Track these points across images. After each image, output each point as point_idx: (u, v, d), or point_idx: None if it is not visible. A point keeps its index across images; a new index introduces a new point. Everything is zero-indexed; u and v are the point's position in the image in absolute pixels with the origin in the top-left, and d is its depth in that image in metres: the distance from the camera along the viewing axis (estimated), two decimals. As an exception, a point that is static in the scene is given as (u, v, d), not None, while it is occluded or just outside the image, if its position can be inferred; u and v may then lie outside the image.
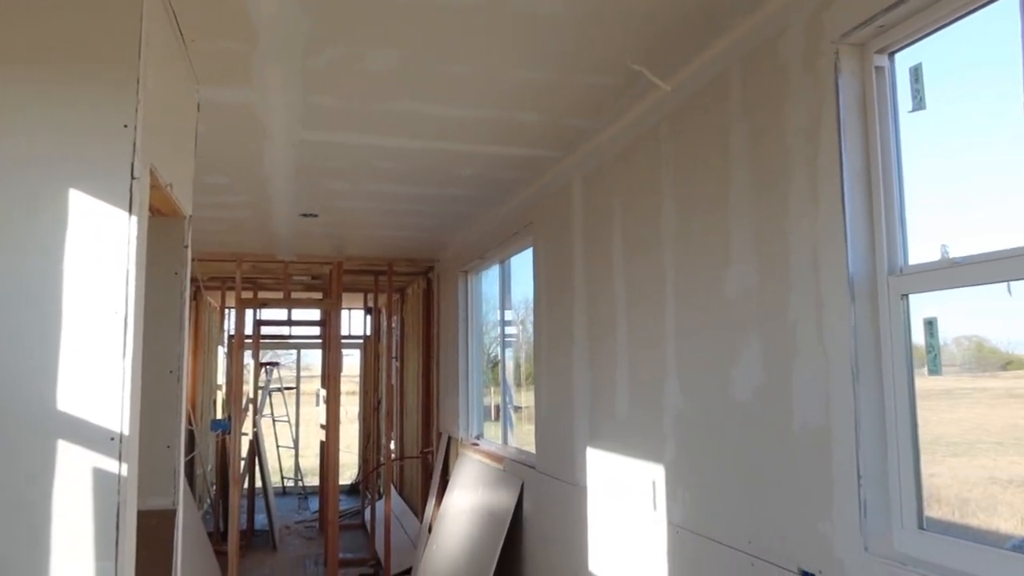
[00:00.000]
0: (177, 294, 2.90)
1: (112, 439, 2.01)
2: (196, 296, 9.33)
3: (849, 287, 2.08)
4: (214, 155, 3.93)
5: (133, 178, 2.08)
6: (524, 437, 5.63)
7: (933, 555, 1.86)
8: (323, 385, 9.15)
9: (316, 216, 5.51)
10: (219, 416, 10.30)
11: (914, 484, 1.95)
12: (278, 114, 3.33)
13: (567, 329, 4.13)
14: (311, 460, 13.69)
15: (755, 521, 2.43)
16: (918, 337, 2.01)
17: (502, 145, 3.85)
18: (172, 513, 2.81)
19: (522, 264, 5.53)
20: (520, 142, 3.80)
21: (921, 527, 1.94)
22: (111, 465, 2.00)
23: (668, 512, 2.97)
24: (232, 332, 10.83)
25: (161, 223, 2.89)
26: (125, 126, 2.08)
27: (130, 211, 2.07)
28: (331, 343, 7.95)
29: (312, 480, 12.84)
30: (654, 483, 3.09)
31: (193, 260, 7.46)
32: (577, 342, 3.99)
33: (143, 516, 2.74)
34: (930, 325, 1.96)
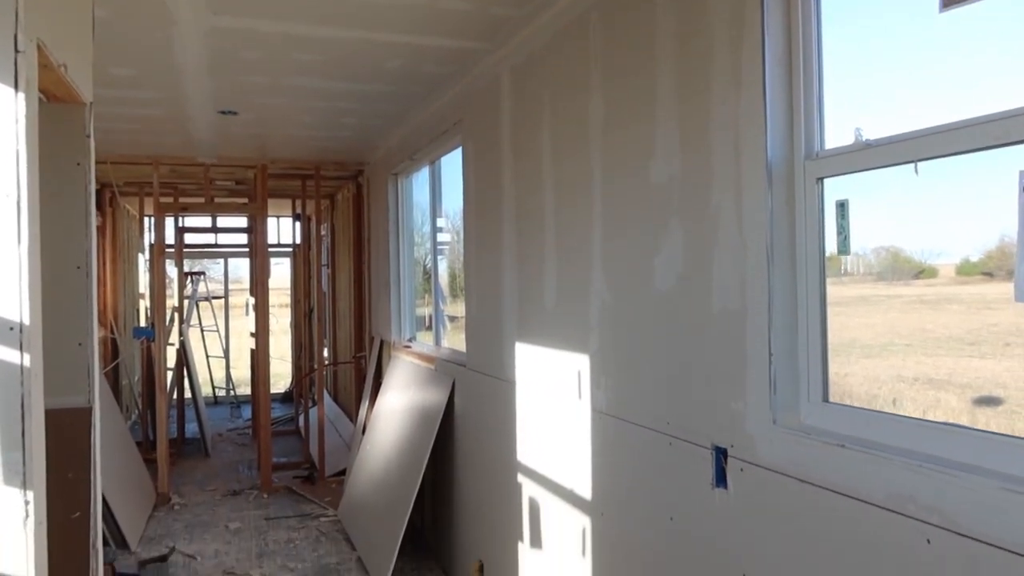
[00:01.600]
0: (81, 186, 2.75)
1: (12, 329, 1.92)
2: (112, 203, 8.93)
3: (767, 172, 2.09)
4: (118, 44, 3.68)
5: (17, 51, 1.92)
6: (457, 343, 5.67)
7: (836, 425, 1.95)
8: (252, 294, 8.99)
9: (236, 114, 5.27)
10: (143, 324, 10.03)
11: (821, 360, 2.03)
12: (184, -5, 3.12)
13: (497, 227, 4.11)
14: (243, 371, 13.57)
15: (674, 403, 2.51)
16: (831, 222, 2.06)
17: (427, 35, 3.71)
18: (87, 411, 2.75)
19: (453, 168, 5.44)
20: (446, 32, 3.66)
21: (826, 400, 2.03)
22: (13, 356, 1.92)
23: (592, 399, 3.05)
24: (153, 240, 10.48)
25: (59, 110, 2.70)
26: (5, -6, 1.91)
27: (16, 87, 1.92)
28: (258, 250, 7.77)
29: (245, 390, 12.78)
30: (579, 373, 3.16)
31: (105, 163, 7.13)
32: (506, 240, 3.98)
33: (57, 414, 2.67)
34: (842, 207, 2.00)
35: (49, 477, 2.09)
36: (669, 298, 2.53)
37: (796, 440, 1.97)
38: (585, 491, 3.11)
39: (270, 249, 12.07)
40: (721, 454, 2.26)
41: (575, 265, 3.20)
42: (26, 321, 1.94)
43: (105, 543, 5.43)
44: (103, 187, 8.45)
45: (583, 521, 3.13)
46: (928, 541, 1.60)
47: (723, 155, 2.26)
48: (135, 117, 5.32)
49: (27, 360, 1.94)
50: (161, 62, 3.99)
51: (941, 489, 1.57)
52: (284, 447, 9.06)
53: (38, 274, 2.04)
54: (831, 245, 2.06)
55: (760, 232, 2.10)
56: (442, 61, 4.14)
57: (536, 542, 3.61)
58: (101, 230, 8.54)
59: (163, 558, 5.01)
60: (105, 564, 4.49)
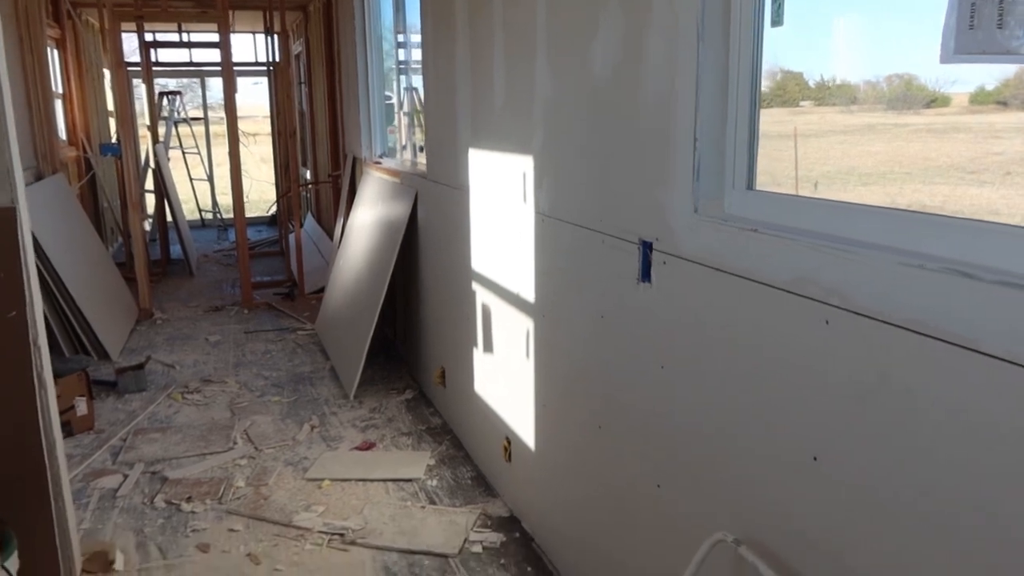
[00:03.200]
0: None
1: None
2: (70, 15, 8.45)
3: (706, -64, 1.88)
4: None
5: None
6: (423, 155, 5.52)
7: (757, 212, 1.87)
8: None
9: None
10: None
11: (748, 145, 1.92)
12: None
13: (451, 32, 3.85)
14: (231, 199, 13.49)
15: (606, 200, 2.42)
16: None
17: None
18: (11, 210, 2.67)
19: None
20: None
21: (751, 188, 1.94)
22: None
23: (536, 202, 2.96)
24: (131, 60, 10.01)
25: None
26: None
27: None
28: (225, 66, 7.41)
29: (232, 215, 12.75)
30: (524, 175, 3.05)
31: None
32: (460, 42, 3.74)
33: (-25, 213, 2.61)
34: (779, -26, 1.81)
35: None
36: (606, 87, 2.38)
37: (715, 228, 1.90)
38: (529, 294, 3.10)
39: (246, 67, 11.61)
40: (647, 248, 2.20)
41: (521, 59, 3.01)
42: None
43: (85, 353, 5.58)
44: (59, -5, 7.95)
45: (527, 324, 3.14)
46: (827, 322, 1.56)
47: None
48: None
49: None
50: None
51: (842, 268, 1.51)
52: (268, 267, 9.15)
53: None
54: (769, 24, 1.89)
55: (693, 8, 1.92)
56: None
57: (488, 347, 3.67)
58: (60, 43, 8.14)
59: (140, 366, 5.15)
60: (79, 371, 4.62)
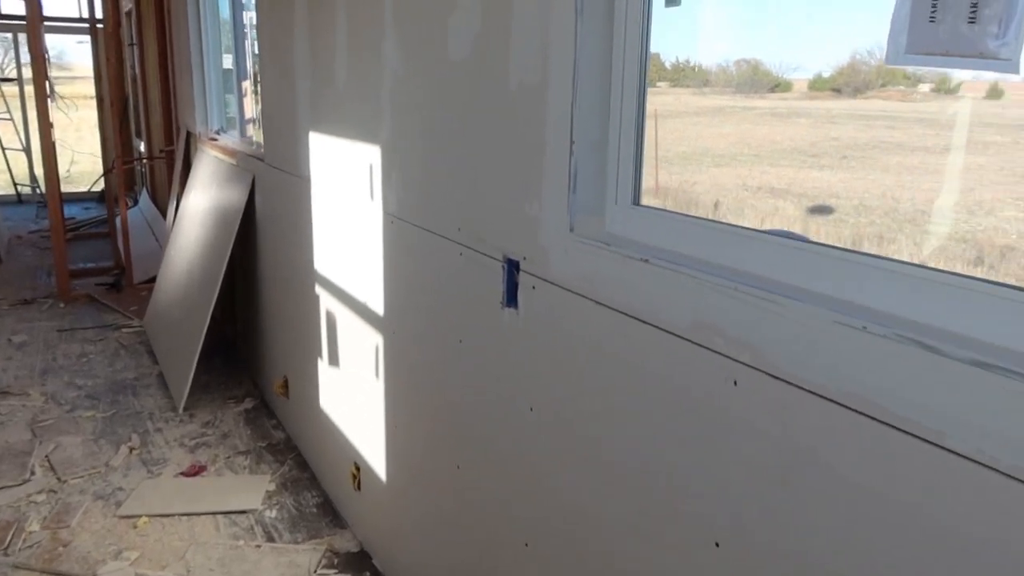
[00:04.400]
0: None
1: None
2: None
3: None
4: None
5: None
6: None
7: (646, 235, 1.53)
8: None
9: None
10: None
11: (634, 149, 1.57)
12: None
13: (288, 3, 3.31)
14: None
15: (466, 206, 2.03)
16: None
17: None
18: None
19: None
20: None
21: (637, 203, 1.60)
22: None
23: (384, 201, 2.53)
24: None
25: None
26: None
27: None
28: (31, 20, 6.39)
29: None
30: (371, 167, 2.61)
31: None
32: (298, 9, 3.21)
33: None
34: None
35: None
36: (464, 69, 1.97)
37: (594, 252, 1.55)
38: (378, 306, 2.66)
39: (68, 24, 10.31)
40: (514, 267, 1.83)
41: (367, 28, 2.55)
42: None
43: None
44: None
45: (376, 339, 2.71)
46: (735, 383, 1.25)
47: None
48: None
49: None
50: None
51: (755, 317, 1.20)
52: (94, 251, 8.15)
53: None
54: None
55: (570, -25, 1.54)
56: None
57: (334, 360, 3.21)
58: None
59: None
60: None
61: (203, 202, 5.08)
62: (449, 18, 2.01)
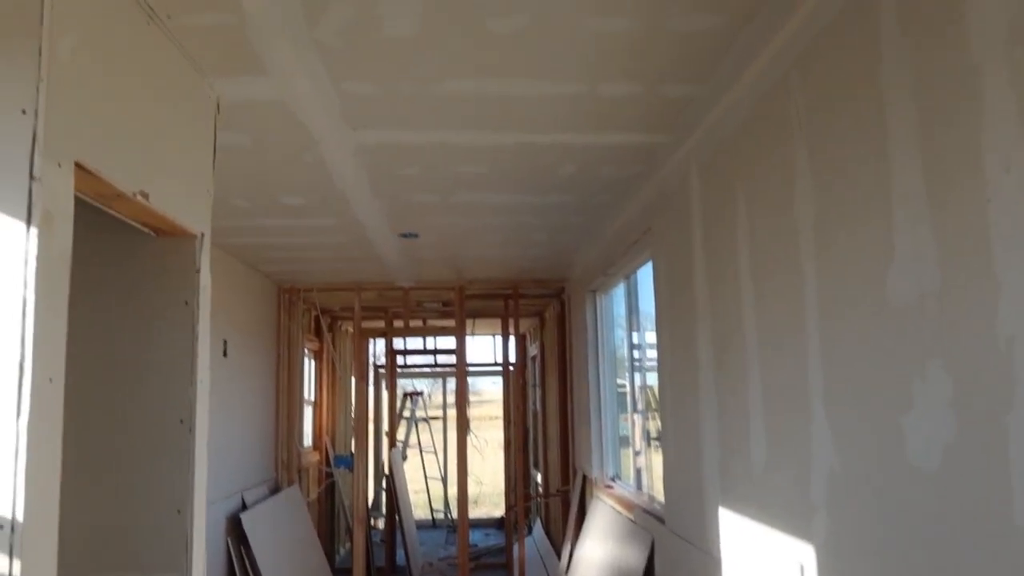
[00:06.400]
0: (187, 328, 2.41)
1: (1, 528, 1.49)
2: (331, 327, 9.20)
3: None
4: (274, 170, 3.51)
5: (33, 178, 1.58)
6: (660, 476, 4.80)
7: None
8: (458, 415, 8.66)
9: (417, 236, 5.01)
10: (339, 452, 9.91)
11: None
12: (315, 111, 2.81)
13: (691, 357, 3.32)
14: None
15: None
16: None
17: (597, 131, 3.13)
18: (176, 598, 2.31)
19: (649, 280, 4.73)
20: (616, 124, 3.07)
21: None
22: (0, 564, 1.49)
23: (821, 616, 2.10)
24: (380, 363, 10.69)
25: (161, 245, 2.42)
26: (23, 112, 1.59)
27: (29, 222, 1.56)
28: (459, 371, 7.46)
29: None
30: (802, 567, 2.23)
31: (312, 291, 7.29)
32: (703, 373, 3.17)
33: (141, 600, 2.27)
34: None
35: None
36: (936, 482, 1.61)
37: None
38: None
39: (486, 368, 11.94)
40: None
41: (787, 414, 2.33)
42: (20, 517, 1.50)
43: None
44: (323, 312, 8.69)
45: None
46: None
47: (1013, 255, 1.38)
48: (324, 245, 5.26)
49: (17, 569, 1.49)
50: (323, 186, 3.78)
51: None
52: (491, 581, 8.43)
53: (53, 457, 1.62)
54: None
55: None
56: (621, 161, 3.54)
57: None
58: (318, 354, 8.77)
59: None
60: None
61: (598, 554, 4.97)
62: (903, 419, 1.71)
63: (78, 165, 1.73)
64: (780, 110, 2.35)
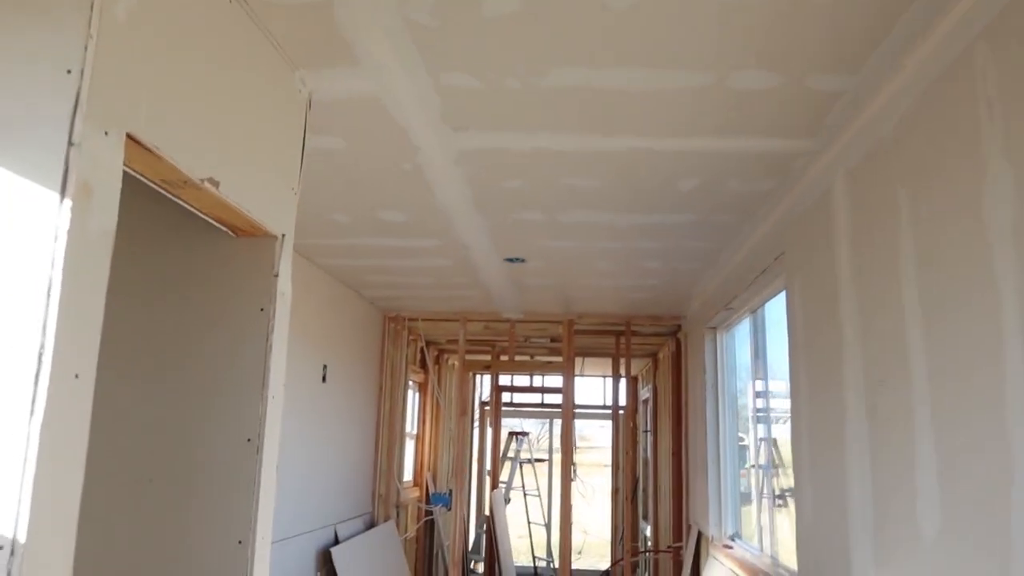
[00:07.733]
0: (261, 337, 2.19)
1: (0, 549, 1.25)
2: (437, 360, 9.02)
3: None
4: (370, 180, 3.31)
5: (71, 144, 1.37)
6: (787, 538, 4.22)
7: None
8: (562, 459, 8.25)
9: (523, 261, 4.73)
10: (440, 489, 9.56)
11: None
12: (412, 108, 2.58)
13: (835, 402, 2.83)
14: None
15: None
16: None
17: (726, 134, 2.75)
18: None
19: (780, 313, 4.24)
20: (750, 125, 2.67)
21: None
22: (-5, 591, 1.24)
23: None
24: (485, 399, 10.45)
25: (238, 245, 2.22)
26: (68, 71, 1.39)
27: (63, 192, 1.35)
28: (565, 412, 7.07)
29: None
30: (992, 674, 1.72)
31: (417, 320, 7.11)
32: (850, 421, 2.68)
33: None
34: None
35: None
36: None
37: None
38: None
39: (594, 410, 11.47)
40: None
41: (975, 462, 1.85)
42: (22, 537, 1.26)
43: None
44: (428, 344, 8.53)
45: None
46: None
47: None
48: (426, 269, 5.06)
49: (16, 600, 1.24)
50: (424, 201, 3.55)
51: None
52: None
53: (73, 468, 1.38)
54: None
55: None
56: (750, 174, 3.13)
57: None
58: (422, 386, 8.59)
59: None
60: None
61: (713, 622, 4.43)
62: None
63: (130, 137, 1.53)
64: (960, 94, 1.91)
